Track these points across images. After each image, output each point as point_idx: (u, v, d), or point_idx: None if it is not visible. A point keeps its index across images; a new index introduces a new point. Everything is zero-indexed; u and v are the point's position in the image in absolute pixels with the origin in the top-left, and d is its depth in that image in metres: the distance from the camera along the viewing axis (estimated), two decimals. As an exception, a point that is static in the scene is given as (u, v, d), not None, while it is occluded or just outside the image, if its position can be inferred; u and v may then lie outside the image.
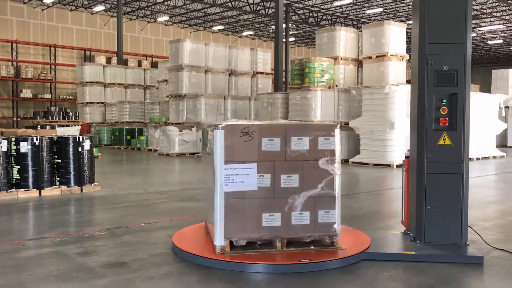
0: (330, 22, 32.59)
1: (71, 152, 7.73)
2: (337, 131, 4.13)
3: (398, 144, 12.08)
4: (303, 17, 31.79)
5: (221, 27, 35.23)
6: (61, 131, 12.59)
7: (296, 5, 29.83)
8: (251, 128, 3.95)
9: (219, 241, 3.95)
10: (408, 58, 14.48)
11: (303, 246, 4.09)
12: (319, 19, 32.07)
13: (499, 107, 16.36)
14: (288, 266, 3.76)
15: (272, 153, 3.99)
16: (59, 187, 7.65)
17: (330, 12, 31.59)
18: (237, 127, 3.95)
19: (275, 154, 4.00)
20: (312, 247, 4.09)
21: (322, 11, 31.26)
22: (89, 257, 4.11)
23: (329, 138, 4.07)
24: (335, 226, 4.10)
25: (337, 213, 4.12)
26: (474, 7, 27.64)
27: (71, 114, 21.01)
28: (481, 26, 33.25)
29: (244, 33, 37.34)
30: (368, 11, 30.86)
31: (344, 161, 13.38)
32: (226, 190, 3.93)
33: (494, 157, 15.13)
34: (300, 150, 4.03)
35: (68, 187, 7.70)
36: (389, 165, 12.02)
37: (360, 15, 32.37)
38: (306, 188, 4.04)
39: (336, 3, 28.70)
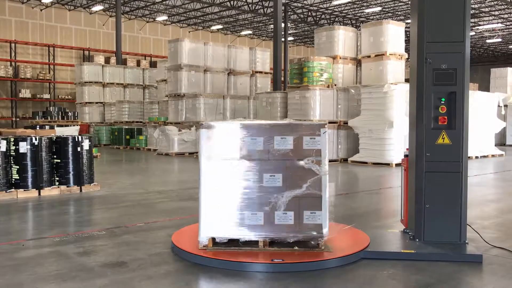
0: (328, 21, 32.59)
1: (70, 152, 7.73)
2: (324, 130, 4.02)
3: (397, 143, 12.09)
4: (301, 16, 31.78)
5: (220, 26, 35.21)
6: (60, 131, 12.58)
7: (295, 4, 29.82)
8: (234, 127, 4.07)
9: (202, 236, 4.06)
10: (406, 57, 14.49)
11: (286, 246, 4.04)
12: (317, 18, 32.07)
13: (498, 106, 16.36)
14: (259, 265, 3.73)
15: (255, 152, 4.05)
16: (58, 187, 7.65)
17: (329, 11, 31.59)
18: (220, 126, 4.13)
19: (258, 153, 4.05)
20: (296, 248, 4.01)
21: (320, 10, 31.26)
22: (88, 257, 4.12)
23: (315, 138, 4.01)
24: (321, 227, 3.99)
25: (324, 214, 4.01)
26: (473, 6, 27.66)
27: (70, 114, 20.96)
28: (480, 25, 33.25)
29: (243, 33, 37.32)
30: (367, 10, 30.87)
31: (343, 160, 13.39)
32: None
33: (493, 155, 15.14)
34: (283, 149, 4.02)
35: (67, 187, 7.70)
36: (388, 164, 12.03)
37: (358, 14, 32.37)
38: (290, 188, 4.01)
39: (335, 2, 28.69)
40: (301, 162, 3.99)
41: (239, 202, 4.06)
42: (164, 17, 32.04)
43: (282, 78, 24.85)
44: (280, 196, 4.01)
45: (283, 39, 25.60)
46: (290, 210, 4.00)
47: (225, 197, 4.08)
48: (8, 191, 7.20)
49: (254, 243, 4.07)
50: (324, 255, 3.90)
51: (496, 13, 30.31)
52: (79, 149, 7.78)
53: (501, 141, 20.12)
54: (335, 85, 14.50)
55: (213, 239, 4.07)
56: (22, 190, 7.29)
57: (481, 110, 14.80)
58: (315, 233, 4.00)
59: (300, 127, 4.04)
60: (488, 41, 38.90)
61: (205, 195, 4.09)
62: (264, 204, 4.03)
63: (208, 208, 4.08)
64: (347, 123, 13.32)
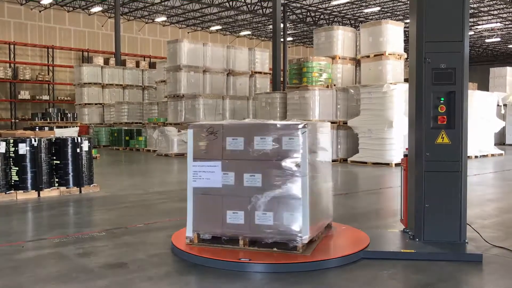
0: (327, 21, 32.60)
1: (69, 153, 7.73)
2: (303, 131, 3.92)
3: (397, 142, 12.09)
4: (300, 16, 31.79)
5: (218, 27, 35.22)
6: (59, 132, 12.57)
7: (294, 4, 29.84)
8: (215, 128, 4.13)
9: (188, 232, 4.23)
10: (406, 56, 14.50)
11: (265, 247, 4.01)
12: (316, 19, 32.08)
13: (497, 105, 16.38)
14: (229, 263, 3.77)
15: (236, 152, 4.09)
16: (57, 188, 7.64)
17: (328, 11, 31.61)
18: (204, 127, 4.21)
19: (239, 153, 4.08)
20: (275, 249, 3.97)
21: (319, 10, 31.27)
22: (88, 258, 4.11)
23: (293, 138, 3.93)
24: (299, 230, 3.90)
25: (304, 216, 3.90)
26: (472, 5, 27.67)
27: (69, 115, 20.96)
28: (479, 24, 33.27)
29: (242, 33, 37.33)
30: (366, 10, 30.88)
31: (343, 160, 13.39)
32: (194, 186, 4.20)
33: (492, 155, 15.15)
34: (263, 149, 4.01)
35: (67, 188, 7.69)
36: (387, 164, 12.03)
37: (357, 14, 32.38)
38: (269, 188, 3.98)
39: (334, 3, 28.71)
40: (280, 163, 3.94)
41: (222, 201, 4.13)
42: (163, 18, 32.05)
43: (282, 79, 24.85)
44: (260, 196, 4.00)
45: (282, 40, 25.56)
46: (270, 210, 3.98)
47: (209, 195, 4.18)
48: (7, 192, 7.19)
49: (236, 242, 4.10)
50: (298, 259, 3.80)
51: (495, 12, 30.34)
52: (78, 150, 7.77)
53: (500, 141, 20.13)
54: (335, 85, 14.51)
55: (198, 235, 4.20)
56: (22, 191, 7.28)
57: (481, 109, 14.80)
58: (293, 235, 3.92)
59: (280, 127, 3.99)
60: (487, 40, 38.93)
61: (191, 193, 4.23)
62: (245, 203, 4.04)
63: (194, 205, 4.22)
64: (346, 123, 13.32)
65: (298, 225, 3.91)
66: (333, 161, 13.04)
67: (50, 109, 23.05)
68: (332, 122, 13.46)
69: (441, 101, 4.17)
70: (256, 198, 4.00)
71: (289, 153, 3.93)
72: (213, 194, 4.16)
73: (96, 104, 23.46)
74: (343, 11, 31.57)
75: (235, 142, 4.09)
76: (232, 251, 4.00)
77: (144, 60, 31.94)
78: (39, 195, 7.38)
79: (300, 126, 3.94)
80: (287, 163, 3.93)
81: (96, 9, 28.89)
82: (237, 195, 4.09)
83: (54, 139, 7.80)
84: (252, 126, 4.15)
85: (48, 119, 19.57)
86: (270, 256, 3.88)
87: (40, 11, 27.97)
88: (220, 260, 3.81)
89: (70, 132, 14.65)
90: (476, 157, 14.37)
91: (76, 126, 17.94)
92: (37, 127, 15.09)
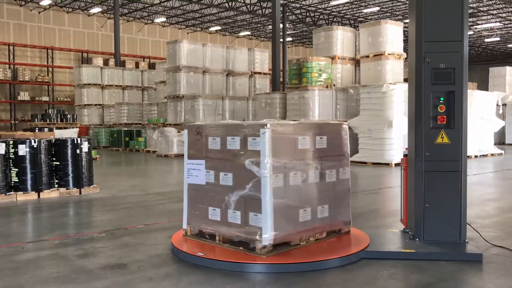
0: (327, 21, 32.61)
1: (69, 155, 7.72)
2: (263, 131, 3.86)
3: (397, 142, 12.09)
4: (300, 16, 31.80)
5: (218, 27, 35.23)
6: (59, 134, 12.58)
7: (293, 5, 29.84)
8: (201, 128, 4.35)
9: (184, 225, 4.58)
10: (405, 56, 14.51)
11: (235, 245, 4.08)
12: (316, 19, 32.09)
13: (497, 105, 16.38)
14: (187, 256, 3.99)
15: (214, 151, 4.29)
16: (57, 189, 7.64)
17: (327, 11, 31.62)
18: (193, 127, 4.50)
19: (217, 152, 4.27)
20: (241, 248, 4.01)
21: (319, 10, 31.28)
22: (88, 259, 4.11)
23: (256, 138, 3.93)
24: (261, 231, 3.87)
25: (264, 218, 3.86)
26: (471, 5, 27.69)
27: (69, 116, 20.98)
28: (478, 24, 33.29)
29: (242, 34, 37.34)
30: (365, 10, 30.89)
31: (343, 160, 13.37)
32: (188, 182, 4.52)
33: (492, 154, 15.15)
34: (233, 149, 4.11)
35: (66, 189, 7.69)
36: (387, 164, 12.03)
37: (357, 14, 32.40)
38: (238, 188, 4.05)
39: (333, 3, 28.71)
40: (245, 163, 3.98)
41: (205, 197, 4.36)
42: (163, 19, 32.05)
43: (281, 79, 24.86)
44: (231, 195, 4.10)
45: (281, 40, 25.60)
46: (238, 209, 4.06)
47: (198, 192, 4.43)
48: (7, 194, 7.18)
49: (214, 237, 4.27)
50: (256, 260, 3.78)
51: (494, 12, 30.35)
52: (78, 151, 7.76)
53: (500, 140, 20.12)
54: (334, 85, 14.51)
55: (191, 229, 4.51)
56: (22, 193, 7.27)
57: (480, 109, 14.80)
58: (255, 236, 3.91)
59: (245, 127, 4.05)
60: (486, 40, 38.94)
61: (185, 188, 4.56)
62: (221, 201, 4.19)
63: (188, 200, 4.54)
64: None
65: (259, 226, 3.90)
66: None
67: (50, 110, 23.10)
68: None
69: (440, 101, 4.18)
70: (228, 196, 4.12)
71: (253, 153, 3.95)
72: (200, 190, 4.41)
73: (95, 105, 23.46)
74: (342, 11, 31.59)
75: (214, 141, 4.28)
76: (210, 246, 4.19)
77: (144, 60, 31.94)
78: (39, 196, 7.38)
79: (261, 126, 3.90)
80: (249, 163, 3.96)
81: (96, 10, 28.88)
82: (216, 193, 4.26)
83: (53, 140, 7.80)
84: (227, 126, 4.29)
85: (47, 120, 19.58)
86: (234, 254, 3.94)
87: (39, 12, 27.97)
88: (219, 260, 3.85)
89: (70, 133, 14.66)
90: (475, 156, 14.37)
91: (76, 127, 17.95)
92: (36, 128, 15.09)
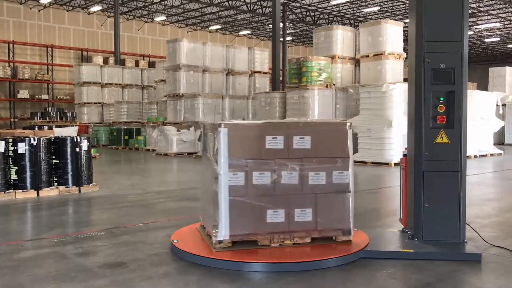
0: (327, 21, 32.59)
1: (69, 153, 7.72)
2: (219, 130, 3.92)
3: (396, 142, 12.09)
4: (300, 16, 31.78)
5: (218, 26, 35.20)
6: (58, 132, 12.57)
7: (293, 4, 29.83)
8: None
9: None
10: (405, 56, 14.50)
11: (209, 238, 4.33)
12: (316, 18, 32.08)
13: (496, 105, 16.37)
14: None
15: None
16: (57, 187, 7.64)
17: (327, 11, 31.60)
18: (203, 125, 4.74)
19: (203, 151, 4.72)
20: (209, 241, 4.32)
21: (319, 10, 31.26)
22: (87, 257, 4.11)
23: (216, 137, 4.02)
24: (217, 229, 3.94)
25: (221, 214, 3.89)
26: (471, 5, 27.68)
27: (68, 114, 20.94)
28: (478, 24, 33.28)
29: (242, 33, 37.32)
30: (365, 10, 30.88)
31: (342, 160, 13.37)
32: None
33: (491, 154, 15.15)
34: (210, 147, 4.29)
35: (66, 187, 7.69)
36: (387, 164, 12.03)
37: (357, 14, 32.38)
38: (212, 184, 4.20)
39: (333, 2, 28.70)
40: (214, 161, 4.10)
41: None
42: (163, 17, 32.03)
43: (281, 78, 24.85)
44: (209, 191, 4.32)
45: (281, 39, 25.59)
46: (211, 204, 4.23)
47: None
48: (6, 192, 7.18)
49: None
50: (212, 255, 3.89)
51: (494, 12, 30.34)
52: (77, 149, 7.76)
53: (499, 140, 20.12)
54: (334, 84, 14.51)
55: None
56: (21, 191, 7.27)
57: (480, 109, 14.80)
58: (215, 230, 4.02)
59: (214, 125, 4.17)
60: (486, 40, 38.94)
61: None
62: (205, 196, 4.54)
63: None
64: (345, 122, 13.30)
65: (216, 224, 4.00)
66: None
67: (49, 108, 23.01)
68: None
69: (440, 101, 4.17)
70: (207, 192, 4.32)
71: (218, 150, 4.01)
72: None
73: (95, 103, 23.45)
74: (342, 11, 31.57)
75: (205, 139, 4.61)
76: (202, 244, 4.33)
77: (144, 59, 31.92)
78: (38, 194, 7.38)
79: (219, 125, 3.97)
80: (215, 161, 4.06)
81: (96, 8, 28.86)
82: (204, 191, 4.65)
83: (53, 138, 7.79)
84: (209, 124, 4.49)
85: (47, 118, 19.56)
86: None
87: (39, 10, 27.94)
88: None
89: (70, 131, 14.65)
90: (475, 156, 14.38)
91: (75, 126, 17.94)
92: (36, 126, 15.08)
